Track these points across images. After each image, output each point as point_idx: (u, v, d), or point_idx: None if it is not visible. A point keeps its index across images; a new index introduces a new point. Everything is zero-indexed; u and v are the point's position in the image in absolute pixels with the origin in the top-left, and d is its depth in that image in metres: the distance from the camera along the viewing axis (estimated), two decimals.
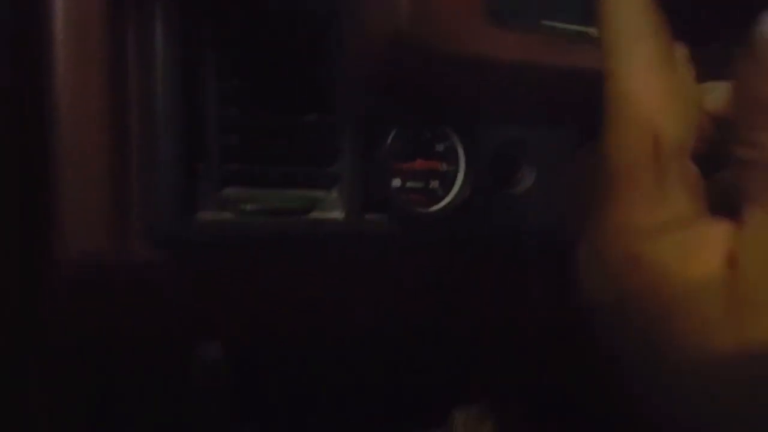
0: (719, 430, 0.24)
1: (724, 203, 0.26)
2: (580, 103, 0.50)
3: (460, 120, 0.48)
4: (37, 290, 0.42)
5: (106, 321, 0.43)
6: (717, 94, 0.30)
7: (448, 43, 0.39)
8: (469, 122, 0.48)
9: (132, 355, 0.46)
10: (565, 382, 0.64)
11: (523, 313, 0.55)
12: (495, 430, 0.66)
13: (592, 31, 0.42)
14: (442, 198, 0.48)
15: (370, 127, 0.44)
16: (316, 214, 0.44)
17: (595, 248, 0.28)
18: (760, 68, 0.23)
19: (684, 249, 0.24)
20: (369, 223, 0.45)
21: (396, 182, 0.47)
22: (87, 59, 0.39)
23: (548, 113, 0.50)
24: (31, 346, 0.45)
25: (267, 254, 0.44)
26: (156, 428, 0.53)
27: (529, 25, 0.41)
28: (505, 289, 0.53)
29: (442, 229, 0.48)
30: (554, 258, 0.53)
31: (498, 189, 0.50)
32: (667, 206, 0.25)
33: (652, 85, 0.26)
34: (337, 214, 0.44)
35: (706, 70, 0.36)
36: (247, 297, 0.44)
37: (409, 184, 0.47)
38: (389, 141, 0.45)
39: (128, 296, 0.42)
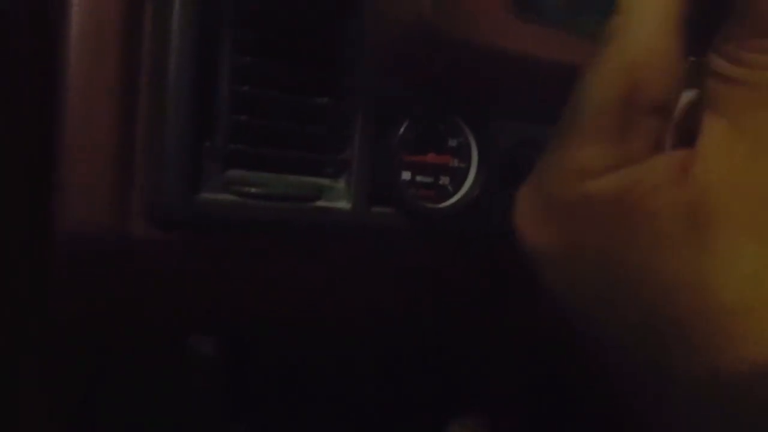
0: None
1: None
2: None
3: (475, 116, 0.47)
4: (37, 263, 0.41)
5: (103, 299, 0.42)
6: None
7: (471, 33, 0.38)
8: (485, 119, 0.47)
9: (128, 337, 0.45)
10: (563, 391, 0.63)
11: (526, 318, 0.54)
12: None
13: None
14: (452, 195, 0.47)
15: (383, 116, 0.43)
16: (321, 203, 0.43)
17: (543, 194, 0.26)
18: None
19: (636, 178, 0.23)
20: (375, 215, 0.44)
21: (405, 175, 0.45)
22: (101, 30, 0.37)
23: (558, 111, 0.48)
24: (30, 322, 0.44)
25: (269, 240, 0.43)
26: (149, 418, 0.52)
27: (555, 21, 0.40)
28: (511, 293, 0.52)
29: (449, 227, 0.47)
30: None
31: (510, 189, 0.49)
32: (622, 148, 0.24)
33: (654, 39, 0.24)
34: (344, 204, 0.43)
35: None
36: (245, 283, 0.43)
37: (418, 178, 0.46)
38: (401, 132, 0.44)
39: (126, 275, 0.41)
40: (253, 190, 0.41)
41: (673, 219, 0.21)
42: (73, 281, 0.40)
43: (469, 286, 0.51)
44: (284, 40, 0.41)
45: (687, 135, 0.25)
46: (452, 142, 0.47)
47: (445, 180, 0.47)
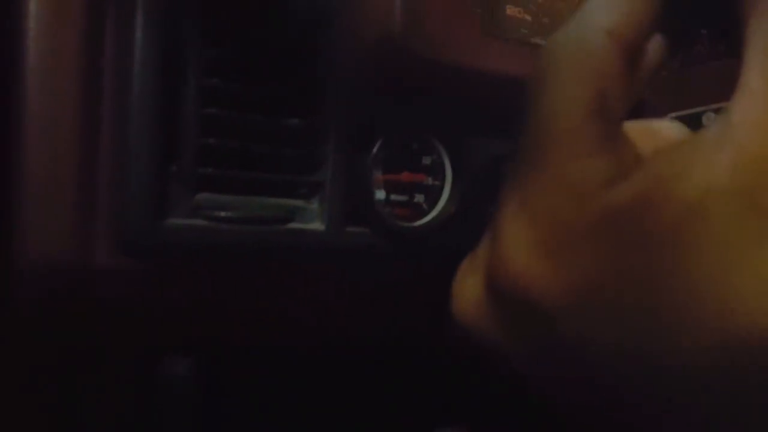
0: None
1: None
2: None
3: (448, 133, 0.46)
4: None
5: (71, 330, 0.40)
6: None
7: (440, 51, 0.38)
8: (458, 136, 0.47)
9: (97, 366, 0.43)
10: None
11: None
12: None
13: None
14: (427, 213, 0.47)
15: (355, 135, 0.43)
16: (294, 224, 0.42)
17: (543, 224, 0.21)
18: None
19: (656, 173, 0.18)
20: (350, 235, 0.43)
21: (380, 194, 0.45)
22: (61, 52, 0.36)
23: None
24: None
25: (241, 265, 0.41)
26: None
27: (521, 39, 0.40)
28: None
29: (425, 245, 0.46)
30: None
31: (488, 206, 0.49)
32: (614, 156, 0.20)
33: (614, 51, 0.21)
34: (317, 225, 0.42)
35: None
36: (218, 309, 0.42)
37: (393, 197, 0.45)
38: (375, 150, 0.43)
39: (93, 305, 0.39)
40: (223, 213, 0.40)
41: (723, 210, 0.17)
42: (39, 314, 0.39)
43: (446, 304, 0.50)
44: (252, 59, 0.40)
45: None
46: (426, 160, 0.47)
47: (420, 198, 0.47)
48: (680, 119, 0.44)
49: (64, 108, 0.37)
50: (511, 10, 0.41)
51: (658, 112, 0.47)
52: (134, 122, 0.36)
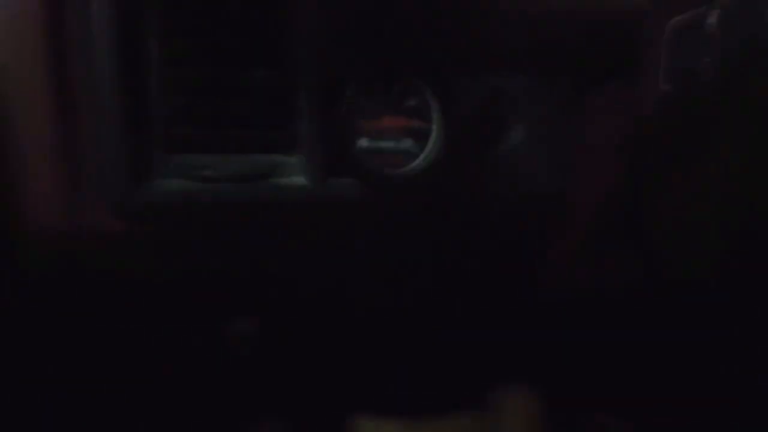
0: None
1: None
2: (569, 48, 0.45)
3: (431, 72, 0.44)
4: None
5: (74, 289, 0.43)
6: None
7: None
8: (443, 74, 0.44)
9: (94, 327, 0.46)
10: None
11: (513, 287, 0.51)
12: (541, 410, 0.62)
13: None
14: (416, 157, 0.45)
15: (328, 83, 0.41)
16: (276, 180, 0.42)
17: None
18: None
19: None
20: (334, 187, 0.43)
21: (363, 142, 0.43)
22: (27, 25, 0.37)
23: (531, 60, 0.45)
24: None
25: (223, 222, 0.42)
26: None
27: None
28: (494, 261, 0.50)
29: (416, 192, 0.45)
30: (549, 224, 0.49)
31: (481, 147, 0.46)
32: None
33: None
34: (299, 179, 0.42)
35: None
36: (207, 266, 0.43)
37: (378, 144, 0.44)
38: (350, 97, 0.42)
39: (91, 264, 0.41)
40: (202, 173, 0.40)
41: None
42: (41, 274, 0.41)
43: (445, 251, 0.49)
44: (215, 13, 0.39)
45: None
46: (411, 102, 0.44)
47: (407, 143, 0.45)
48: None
49: (39, 88, 0.37)
50: None
51: None
52: (100, 90, 0.37)
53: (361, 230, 0.45)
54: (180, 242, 0.42)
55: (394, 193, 0.44)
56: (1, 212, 0.40)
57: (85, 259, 0.40)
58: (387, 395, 0.59)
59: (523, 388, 0.61)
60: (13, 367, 0.45)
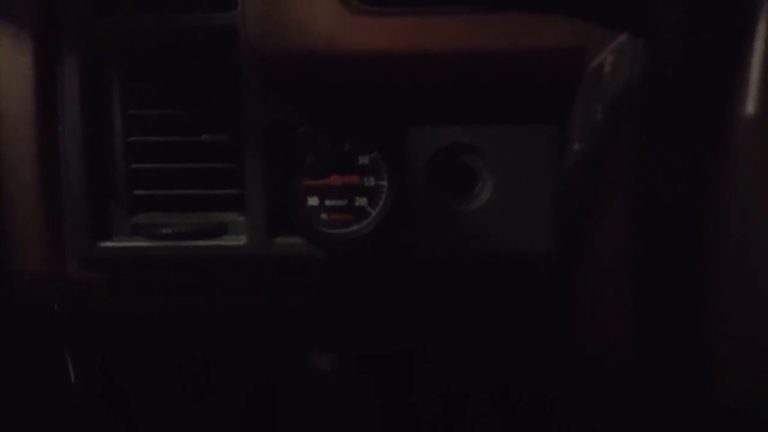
0: None
1: None
2: (533, 96, 0.40)
3: (382, 128, 0.42)
4: None
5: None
6: None
7: (301, 38, 0.35)
8: (394, 130, 0.42)
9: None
10: None
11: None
12: None
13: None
14: (369, 215, 0.43)
15: (271, 145, 0.41)
16: (225, 238, 0.43)
17: None
18: None
19: None
20: (279, 246, 0.42)
21: (312, 201, 0.43)
22: (24, 100, 0.43)
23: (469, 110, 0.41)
24: None
25: (173, 278, 0.44)
26: None
27: (400, 10, 0.35)
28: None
29: (367, 249, 0.42)
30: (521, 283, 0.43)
31: (446, 204, 0.43)
32: None
33: None
34: (242, 239, 0.42)
35: None
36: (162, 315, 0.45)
37: (329, 203, 0.43)
38: (294, 157, 0.42)
39: (70, 308, 0.46)
40: (159, 231, 0.43)
41: None
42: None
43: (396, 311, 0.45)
44: (170, 87, 0.42)
45: None
46: (364, 160, 0.43)
47: (362, 201, 0.43)
48: None
49: (30, 150, 0.43)
50: None
51: None
52: (67, 154, 0.42)
53: (306, 287, 0.44)
54: (134, 288, 0.45)
55: (340, 251, 0.42)
56: None
57: (58, 298, 0.45)
58: None
59: None
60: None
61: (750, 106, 0.23)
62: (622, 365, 0.34)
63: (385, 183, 0.42)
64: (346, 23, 0.35)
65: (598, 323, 0.38)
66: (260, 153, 0.42)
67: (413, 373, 0.55)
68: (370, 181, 0.43)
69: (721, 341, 0.25)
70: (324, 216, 0.43)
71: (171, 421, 0.54)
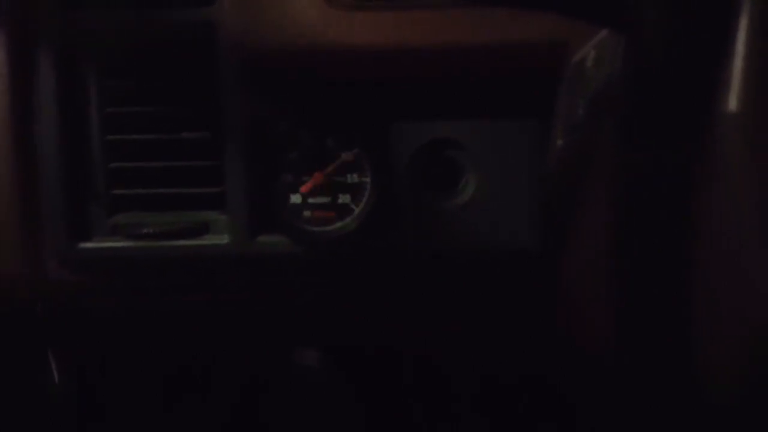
0: None
1: None
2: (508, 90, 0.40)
3: (365, 125, 0.41)
4: None
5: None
6: None
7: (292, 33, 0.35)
8: (377, 126, 0.41)
9: None
10: None
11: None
12: None
13: None
14: (353, 213, 0.42)
15: (252, 143, 0.41)
16: (206, 237, 0.42)
17: None
18: None
19: None
20: (261, 245, 0.42)
21: (295, 198, 0.42)
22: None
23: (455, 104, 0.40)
24: None
25: (155, 279, 0.43)
26: None
27: (382, 4, 0.34)
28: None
29: (348, 248, 0.42)
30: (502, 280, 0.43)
31: (430, 200, 0.42)
32: None
33: None
34: (223, 237, 0.42)
35: None
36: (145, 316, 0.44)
37: (312, 200, 0.42)
38: (277, 154, 0.41)
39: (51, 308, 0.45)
40: (140, 231, 0.42)
41: None
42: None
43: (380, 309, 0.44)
44: (148, 84, 0.41)
45: None
46: (347, 156, 0.42)
47: (345, 198, 0.42)
48: None
49: (8, 151, 0.42)
50: None
51: None
52: (43, 154, 0.41)
53: (290, 285, 0.43)
54: (115, 288, 0.44)
55: (324, 249, 0.42)
56: None
57: (40, 300, 0.44)
58: None
59: None
60: None
61: (731, 104, 0.23)
62: (606, 356, 0.34)
63: (368, 179, 0.42)
64: (327, 17, 0.34)
65: (583, 316, 0.38)
66: (241, 150, 0.41)
67: (400, 369, 0.54)
68: (354, 178, 0.42)
69: (699, 334, 0.25)
70: (307, 213, 0.42)
71: (153, 421, 0.54)
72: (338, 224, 0.42)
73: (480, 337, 0.48)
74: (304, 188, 0.42)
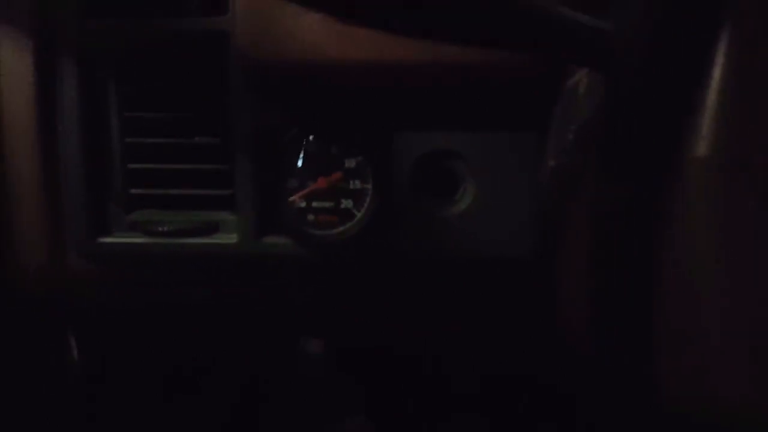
0: None
1: None
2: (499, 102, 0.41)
3: (368, 133, 0.43)
4: None
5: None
6: None
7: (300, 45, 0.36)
8: (380, 134, 0.43)
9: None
10: None
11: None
12: None
13: None
14: (354, 217, 0.44)
15: (260, 147, 0.43)
16: (216, 237, 0.45)
17: None
18: None
19: None
20: (267, 246, 0.44)
21: (300, 203, 0.44)
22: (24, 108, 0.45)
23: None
24: None
25: (167, 273, 0.46)
26: None
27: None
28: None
29: (348, 251, 0.44)
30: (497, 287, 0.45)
31: (429, 207, 0.44)
32: None
33: None
34: (232, 237, 0.44)
35: None
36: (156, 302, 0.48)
37: (316, 204, 0.44)
38: (284, 160, 0.43)
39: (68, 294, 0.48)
40: (155, 228, 0.45)
41: None
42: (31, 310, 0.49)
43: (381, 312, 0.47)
44: (164, 90, 0.44)
45: None
46: (350, 163, 0.44)
47: (347, 203, 0.44)
48: None
49: (31, 150, 0.45)
50: None
51: None
52: (66, 155, 0.43)
53: (294, 285, 0.46)
54: (130, 281, 0.47)
55: (327, 251, 0.44)
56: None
57: (61, 290, 0.47)
58: None
59: None
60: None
61: (700, 149, 0.24)
62: (588, 356, 0.36)
63: (369, 186, 0.44)
64: (333, 31, 0.36)
65: (573, 327, 0.40)
66: (250, 155, 0.43)
67: (400, 369, 0.57)
68: (356, 184, 0.44)
69: (658, 345, 0.27)
70: (311, 217, 0.44)
71: (161, 413, 0.57)
72: (340, 228, 0.44)
73: (478, 338, 0.50)
74: (308, 193, 0.44)
